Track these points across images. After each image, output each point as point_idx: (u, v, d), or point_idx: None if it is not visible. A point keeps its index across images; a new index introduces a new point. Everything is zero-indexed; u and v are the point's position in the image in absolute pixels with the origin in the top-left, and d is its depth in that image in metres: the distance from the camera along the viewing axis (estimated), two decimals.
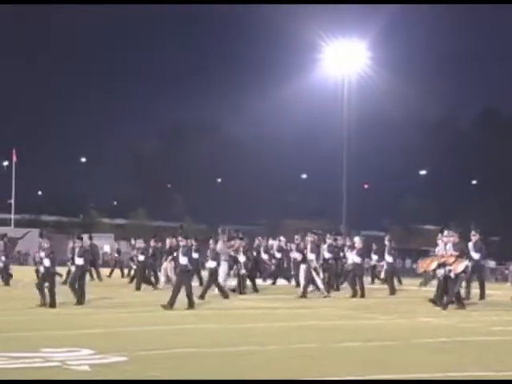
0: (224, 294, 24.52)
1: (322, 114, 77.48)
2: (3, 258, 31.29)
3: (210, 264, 24.64)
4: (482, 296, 24.08)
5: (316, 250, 25.68)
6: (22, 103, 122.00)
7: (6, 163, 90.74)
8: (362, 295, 25.17)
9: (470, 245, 23.12)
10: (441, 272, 20.82)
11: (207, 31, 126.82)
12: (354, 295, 25.10)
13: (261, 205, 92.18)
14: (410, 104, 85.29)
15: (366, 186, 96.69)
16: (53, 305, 20.51)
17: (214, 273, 24.47)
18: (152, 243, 31.08)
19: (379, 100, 77.64)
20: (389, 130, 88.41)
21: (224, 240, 27.46)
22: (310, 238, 26.30)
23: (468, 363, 11.67)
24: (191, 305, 20.50)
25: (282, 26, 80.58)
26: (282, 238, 34.10)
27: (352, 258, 26.04)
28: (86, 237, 30.41)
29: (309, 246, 25.99)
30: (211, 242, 26.00)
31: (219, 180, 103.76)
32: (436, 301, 21.31)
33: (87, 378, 10.04)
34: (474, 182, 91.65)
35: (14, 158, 73.79)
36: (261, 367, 11.08)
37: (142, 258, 28.68)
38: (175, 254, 25.12)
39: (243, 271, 26.77)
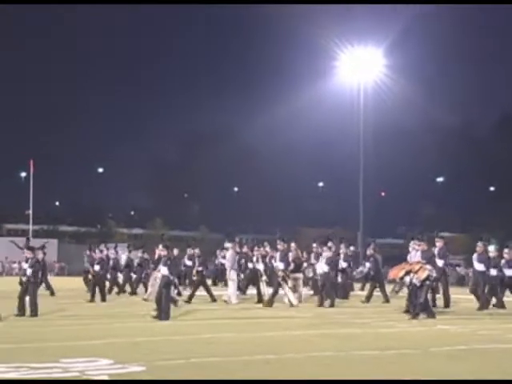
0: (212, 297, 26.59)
1: (339, 122, 77.56)
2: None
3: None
4: (447, 304, 24.05)
5: (285, 258, 25.30)
6: (39, 114, 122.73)
7: (23, 174, 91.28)
8: (332, 305, 24.80)
9: (436, 251, 23.11)
10: (407, 280, 20.84)
11: (224, 40, 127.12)
12: (321, 304, 24.92)
13: (277, 213, 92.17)
14: (426, 111, 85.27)
15: (382, 194, 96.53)
16: (34, 314, 20.50)
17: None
18: (139, 254, 31.95)
19: (395, 107, 77.55)
20: (405, 137, 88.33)
21: (234, 249, 27.69)
22: (279, 246, 25.76)
23: (487, 371, 11.66)
24: (165, 317, 20.03)
25: (298, 34, 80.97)
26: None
27: (321, 266, 25.60)
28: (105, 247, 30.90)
29: (278, 255, 25.56)
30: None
31: (236, 189, 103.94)
32: (408, 309, 21.38)
33: None
34: (492, 188, 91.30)
35: (32, 169, 74.09)
36: (278, 375, 11.09)
37: (97, 268, 28.31)
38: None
39: (264, 278, 26.84)
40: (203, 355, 13.06)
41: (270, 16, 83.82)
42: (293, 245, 26.57)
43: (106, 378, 10.81)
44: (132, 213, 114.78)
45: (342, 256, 28.31)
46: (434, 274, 20.77)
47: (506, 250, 24.48)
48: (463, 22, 79.94)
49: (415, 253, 21.51)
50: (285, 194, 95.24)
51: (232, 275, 26.89)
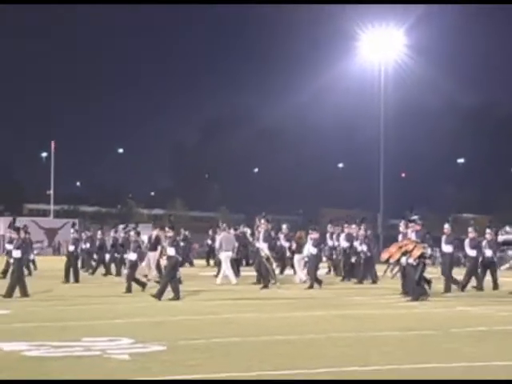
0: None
1: (359, 102, 77.30)
2: (84, 246, 31.60)
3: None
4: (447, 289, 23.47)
5: (269, 238, 24.92)
6: (60, 95, 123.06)
7: (44, 154, 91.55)
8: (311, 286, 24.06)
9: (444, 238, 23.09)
10: (403, 261, 20.72)
11: (244, 22, 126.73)
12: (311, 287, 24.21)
13: (298, 194, 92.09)
14: (447, 91, 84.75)
15: (402, 175, 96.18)
16: (24, 294, 20.37)
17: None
18: (112, 233, 31.83)
19: (416, 88, 77.22)
20: (426, 118, 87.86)
21: (228, 231, 27.75)
22: (263, 225, 25.00)
23: (508, 352, 11.62)
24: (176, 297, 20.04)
25: (318, 15, 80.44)
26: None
27: (309, 248, 25.01)
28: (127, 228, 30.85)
29: (261, 235, 24.81)
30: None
31: (256, 170, 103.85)
32: (405, 291, 21.27)
33: (126, 367, 10.13)
34: None
35: (53, 150, 74.35)
36: (299, 355, 11.10)
37: (71, 248, 27.72)
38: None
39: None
40: (224, 335, 13.09)
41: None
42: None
43: (126, 357, 10.86)
44: (152, 193, 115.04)
45: (361, 238, 27.79)
46: (429, 252, 20.67)
47: (487, 231, 24.29)
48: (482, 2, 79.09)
49: (410, 233, 21.29)
50: (305, 175, 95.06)
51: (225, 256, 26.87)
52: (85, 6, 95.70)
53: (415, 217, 21.10)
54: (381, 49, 55.26)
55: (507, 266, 30.27)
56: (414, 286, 20.19)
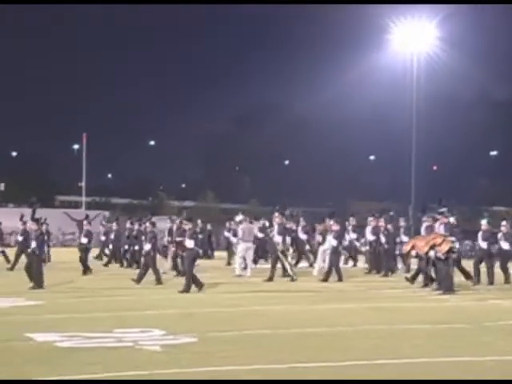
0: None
1: (391, 95, 76.78)
2: (103, 238, 31.61)
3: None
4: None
5: (283, 231, 24.59)
6: (91, 87, 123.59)
7: (76, 147, 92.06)
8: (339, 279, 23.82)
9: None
10: (432, 254, 20.54)
11: (274, 14, 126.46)
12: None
13: (328, 186, 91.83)
14: (479, 84, 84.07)
15: (434, 168, 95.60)
16: (39, 286, 20.43)
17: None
18: (128, 225, 31.09)
19: (448, 80, 76.57)
20: (458, 110, 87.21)
21: (248, 222, 27.72)
22: (277, 219, 24.75)
23: None
24: (186, 289, 19.76)
25: (349, 7, 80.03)
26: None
27: (329, 240, 24.88)
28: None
29: (275, 228, 24.62)
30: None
31: (287, 162, 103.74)
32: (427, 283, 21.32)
33: (158, 359, 10.17)
34: None
35: (85, 142, 74.72)
36: (330, 347, 11.09)
37: (84, 240, 27.27)
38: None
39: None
40: (254, 327, 13.10)
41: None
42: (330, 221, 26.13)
43: (158, 348, 10.91)
44: (183, 185, 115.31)
45: (402, 230, 27.32)
46: (457, 246, 20.44)
47: (503, 223, 23.82)
48: None
49: (438, 226, 21.13)
50: (336, 168, 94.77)
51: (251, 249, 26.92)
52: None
53: (444, 209, 20.92)
54: (413, 41, 54.91)
55: None
56: (444, 280, 20.07)
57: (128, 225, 31.45)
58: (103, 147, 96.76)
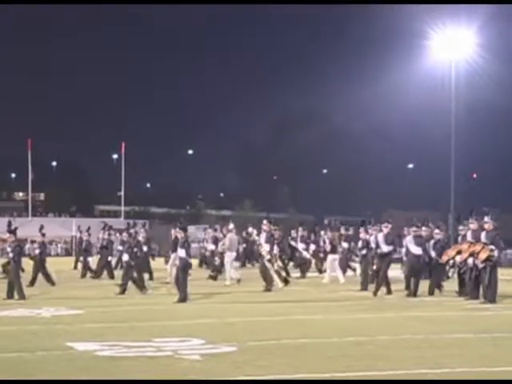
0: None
1: (430, 102, 76.37)
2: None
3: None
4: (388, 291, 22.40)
5: (271, 239, 24.07)
6: (129, 97, 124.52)
7: (115, 156, 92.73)
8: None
9: (380, 236, 22.27)
10: (470, 262, 20.27)
11: (316, 23, 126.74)
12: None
13: (367, 195, 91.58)
14: None
15: (474, 176, 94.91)
16: (21, 297, 20.45)
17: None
18: (100, 234, 30.91)
19: (488, 87, 75.86)
20: (497, 118, 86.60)
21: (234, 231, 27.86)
22: (265, 227, 24.38)
23: None
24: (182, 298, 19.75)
25: (388, 13, 79.76)
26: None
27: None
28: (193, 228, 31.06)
29: (263, 236, 24.13)
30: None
31: (325, 171, 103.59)
32: (462, 293, 21.15)
33: (198, 368, 10.19)
34: None
35: (124, 151, 75.26)
36: (370, 357, 11.02)
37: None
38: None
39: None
40: (294, 336, 13.07)
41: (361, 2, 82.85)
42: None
43: (197, 357, 10.92)
44: (221, 194, 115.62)
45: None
46: (496, 255, 20.12)
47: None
48: None
49: (470, 233, 20.90)
50: (374, 176, 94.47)
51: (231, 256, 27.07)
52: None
53: (487, 217, 20.65)
54: (452, 48, 54.56)
55: None
56: (485, 289, 19.88)
57: (100, 234, 31.22)
58: (142, 156, 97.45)
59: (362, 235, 24.66)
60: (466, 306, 18.98)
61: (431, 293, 22.10)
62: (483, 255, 19.79)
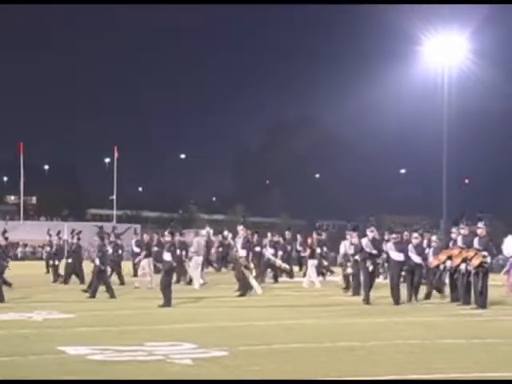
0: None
1: (422, 108, 76.51)
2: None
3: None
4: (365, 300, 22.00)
5: (247, 245, 23.70)
6: (122, 101, 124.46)
7: (107, 160, 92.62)
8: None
9: (365, 241, 22.08)
10: (462, 267, 20.27)
11: (308, 28, 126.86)
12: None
13: (359, 200, 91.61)
14: (511, 96, 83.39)
15: (466, 181, 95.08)
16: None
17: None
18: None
19: (480, 93, 76.11)
20: (490, 123, 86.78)
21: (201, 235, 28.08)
22: (241, 232, 23.89)
23: None
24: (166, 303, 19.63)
25: (380, 19, 79.87)
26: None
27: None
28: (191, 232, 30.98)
29: (239, 242, 23.66)
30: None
31: (317, 175, 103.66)
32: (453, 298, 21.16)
33: (189, 372, 10.16)
34: None
35: (116, 155, 75.08)
36: (362, 362, 11.01)
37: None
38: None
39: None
40: (286, 341, 13.05)
41: (352, 3, 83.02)
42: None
43: (189, 362, 10.89)
44: (214, 199, 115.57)
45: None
46: (489, 261, 20.08)
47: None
48: None
49: (461, 238, 20.89)
50: (367, 181, 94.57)
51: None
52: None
53: (480, 224, 20.61)
54: (444, 53, 54.68)
55: None
56: (477, 295, 19.87)
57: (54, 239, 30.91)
58: (134, 160, 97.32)
59: (355, 240, 24.59)
60: (458, 312, 18.98)
61: (427, 297, 22.34)
62: (476, 261, 19.78)
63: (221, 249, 37.29)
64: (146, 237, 28.80)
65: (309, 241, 28.75)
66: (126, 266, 30.65)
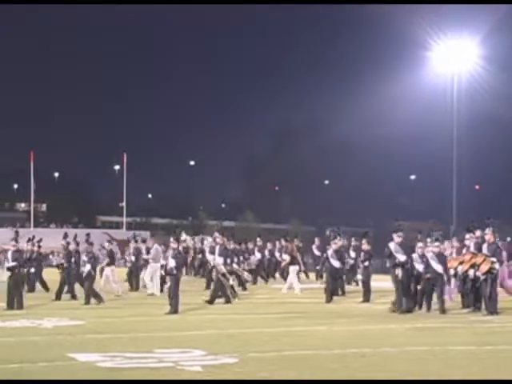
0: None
1: (431, 113, 76.30)
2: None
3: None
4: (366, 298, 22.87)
5: (224, 252, 23.25)
6: (132, 108, 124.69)
7: (117, 167, 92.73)
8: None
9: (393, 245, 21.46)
10: (471, 273, 20.15)
11: (315, 32, 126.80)
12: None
13: (369, 206, 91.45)
14: None
15: (477, 187, 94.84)
16: (19, 307, 20.62)
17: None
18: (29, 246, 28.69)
19: (490, 99, 75.84)
20: (500, 129, 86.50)
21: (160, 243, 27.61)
22: (218, 239, 23.69)
23: None
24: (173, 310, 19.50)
25: (389, 24, 79.81)
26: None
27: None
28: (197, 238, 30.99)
29: (217, 249, 23.21)
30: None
31: (327, 182, 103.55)
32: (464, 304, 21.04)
33: (200, 379, 10.14)
34: None
35: (125, 162, 75.23)
36: (373, 369, 10.95)
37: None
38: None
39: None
40: (296, 348, 13.02)
41: (362, 8, 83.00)
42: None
43: (199, 369, 10.86)
44: (223, 205, 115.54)
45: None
46: (497, 267, 19.94)
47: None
48: None
49: (473, 244, 20.79)
50: (376, 187, 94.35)
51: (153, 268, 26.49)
52: None
53: (488, 230, 20.52)
54: (454, 59, 54.59)
55: None
56: (487, 301, 19.77)
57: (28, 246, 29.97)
58: (143, 167, 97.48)
59: (365, 246, 24.54)
60: (468, 318, 18.90)
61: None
62: (485, 267, 19.70)
63: (200, 255, 36.53)
64: (153, 242, 28.62)
65: (289, 247, 28.75)
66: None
